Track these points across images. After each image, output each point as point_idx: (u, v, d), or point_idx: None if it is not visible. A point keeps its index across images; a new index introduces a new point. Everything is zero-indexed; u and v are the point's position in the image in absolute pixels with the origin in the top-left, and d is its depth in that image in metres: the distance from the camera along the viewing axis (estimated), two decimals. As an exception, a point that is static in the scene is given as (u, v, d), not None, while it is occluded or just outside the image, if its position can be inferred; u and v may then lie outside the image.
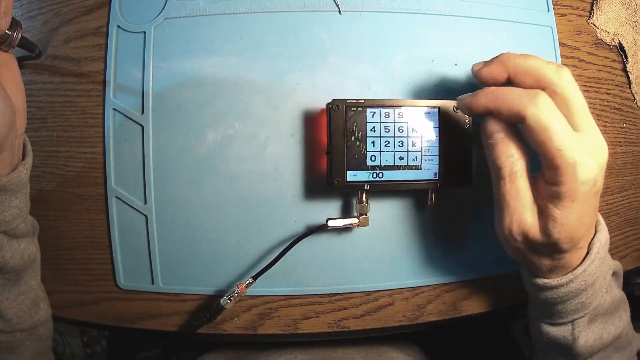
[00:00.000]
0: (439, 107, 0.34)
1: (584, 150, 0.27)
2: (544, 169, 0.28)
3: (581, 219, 0.28)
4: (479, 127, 0.30)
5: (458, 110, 0.34)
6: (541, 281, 0.31)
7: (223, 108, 0.36)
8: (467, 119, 0.34)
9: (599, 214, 0.32)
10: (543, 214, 0.28)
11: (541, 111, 0.26)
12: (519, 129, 0.29)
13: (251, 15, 0.37)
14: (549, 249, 0.29)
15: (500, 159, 0.29)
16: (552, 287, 0.31)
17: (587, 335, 0.32)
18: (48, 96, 0.38)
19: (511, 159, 0.29)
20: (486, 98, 0.29)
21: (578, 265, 0.30)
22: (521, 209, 0.29)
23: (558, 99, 0.27)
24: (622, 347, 0.33)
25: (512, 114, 0.27)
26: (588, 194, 0.27)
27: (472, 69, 0.31)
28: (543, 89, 0.28)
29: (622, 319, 0.33)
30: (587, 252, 0.31)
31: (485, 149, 0.30)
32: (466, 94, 0.30)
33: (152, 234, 0.37)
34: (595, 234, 0.31)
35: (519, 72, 0.28)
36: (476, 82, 0.31)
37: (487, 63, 0.30)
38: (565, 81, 0.27)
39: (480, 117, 0.30)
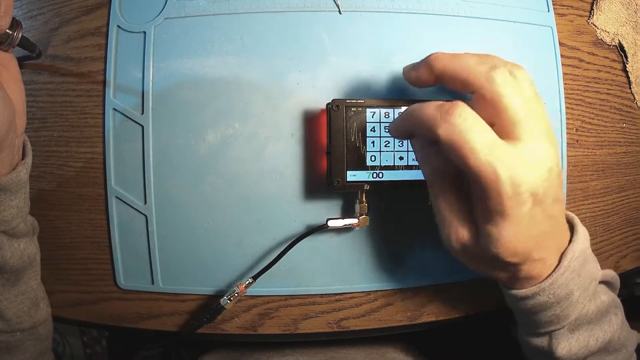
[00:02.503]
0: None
1: (511, 161, 0.24)
2: (470, 185, 0.26)
3: (519, 232, 0.26)
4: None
5: None
6: (509, 291, 0.30)
7: (223, 108, 0.36)
8: None
9: (577, 220, 0.31)
10: (479, 229, 0.27)
11: (454, 128, 0.24)
12: None
13: (251, 15, 0.37)
14: (494, 262, 0.28)
15: (428, 175, 0.29)
16: (520, 298, 0.30)
17: (569, 345, 0.30)
18: (48, 96, 0.38)
19: (437, 173, 0.28)
20: (402, 122, 0.28)
21: (547, 277, 0.29)
22: (456, 223, 0.28)
23: (487, 104, 0.25)
24: (616, 350, 0.32)
25: (427, 133, 0.26)
26: (522, 207, 0.25)
27: (403, 70, 0.30)
28: (472, 92, 0.26)
29: (612, 323, 0.31)
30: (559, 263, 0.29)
31: (419, 165, 0.30)
32: (394, 120, 0.30)
33: (152, 234, 0.37)
34: (569, 245, 0.29)
35: (446, 75, 0.27)
36: None
37: (415, 65, 0.29)
38: (496, 85, 0.25)
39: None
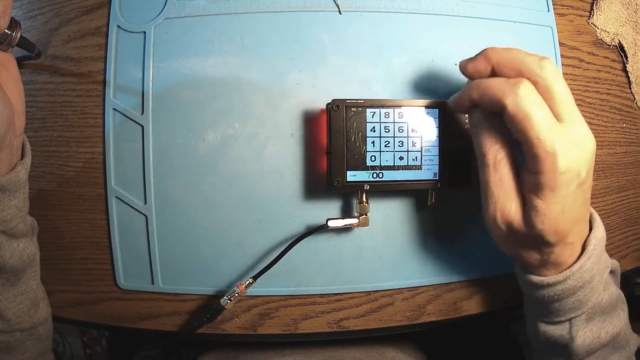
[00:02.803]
0: (439, 107, 0.34)
1: (565, 140, 0.27)
2: (525, 158, 0.28)
3: (565, 211, 0.28)
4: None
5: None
6: (537, 279, 0.31)
7: (223, 108, 0.36)
8: (467, 119, 0.34)
9: (594, 211, 0.33)
10: (526, 204, 0.29)
11: (521, 99, 0.27)
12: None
13: (251, 15, 0.37)
14: (534, 240, 0.29)
15: (484, 147, 0.30)
16: (548, 285, 0.31)
17: (584, 335, 0.32)
18: (48, 96, 0.38)
19: (495, 146, 0.29)
20: (470, 91, 0.30)
21: (574, 263, 0.30)
22: (504, 198, 0.29)
23: (540, 89, 0.27)
24: (621, 346, 0.33)
25: (494, 103, 0.28)
26: (570, 185, 0.27)
27: (459, 64, 0.32)
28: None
29: (620, 318, 0.33)
30: (583, 250, 0.31)
31: (473, 139, 0.31)
32: (455, 94, 0.31)
33: (152, 234, 0.37)
34: (591, 231, 0.31)
35: (501, 64, 0.29)
36: None
37: (472, 58, 0.31)
38: (547, 72, 0.27)
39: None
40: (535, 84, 0.27)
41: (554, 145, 0.26)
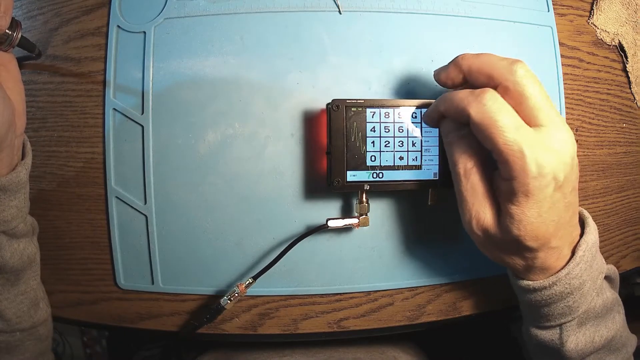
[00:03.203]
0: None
1: (537, 144, 0.26)
2: (498, 165, 0.28)
3: (542, 215, 0.27)
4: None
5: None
6: (524, 283, 0.31)
7: (223, 108, 0.36)
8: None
9: (588, 215, 0.32)
10: (502, 211, 0.28)
11: (485, 108, 0.26)
12: None
13: (251, 15, 0.37)
14: (514, 246, 0.29)
15: (455, 157, 0.30)
16: (535, 289, 0.30)
17: (577, 339, 0.31)
18: (48, 96, 0.38)
19: (464, 156, 0.29)
20: (438, 104, 0.30)
21: (562, 267, 0.30)
22: (478, 205, 0.29)
23: (512, 94, 0.27)
24: (616, 349, 0.33)
25: (459, 113, 0.28)
26: (545, 190, 0.26)
27: (433, 74, 0.32)
28: (496, 86, 0.28)
29: (616, 321, 0.32)
30: (573, 255, 0.30)
31: (446, 150, 0.31)
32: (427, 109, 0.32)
33: (152, 234, 0.37)
34: (582, 236, 0.31)
35: (473, 71, 0.29)
36: None
37: (444, 67, 0.31)
38: (519, 76, 0.27)
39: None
40: (506, 89, 0.27)
41: (522, 150, 0.26)
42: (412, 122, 0.34)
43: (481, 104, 0.27)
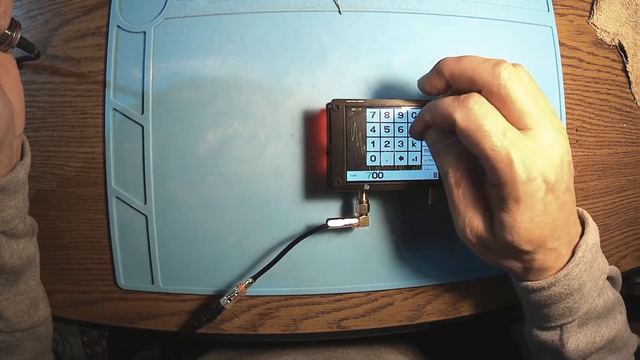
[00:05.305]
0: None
1: (524, 148, 0.25)
2: (486, 172, 0.27)
3: (534, 219, 0.27)
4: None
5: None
6: (523, 283, 0.31)
7: (223, 108, 0.36)
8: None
9: (588, 215, 0.32)
10: (494, 218, 0.28)
11: (470, 112, 0.26)
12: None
13: (251, 15, 0.37)
14: (510, 250, 0.28)
15: (444, 167, 0.29)
16: (534, 290, 0.30)
17: (577, 340, 0.31)
18: (48, 96, 0.38)
19: (452, 165, 0.29)
20: (422, 114, 0.30)
21: (561, 268, 0.29)
22: (470, 213, 0.29)
23: (497, 98, 0.26)
24: (618, 349, 0.33)
25: (444, 121, 0.27)
26: (536, 194, 0.26)
27: (417, 83, 0.31)
28: (480, 90, 0.27)
29: (617, 321, 0.32)
30: (573, 255, 0.30)
31: (434, 160, 0.31)
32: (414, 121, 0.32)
33: (152, 234, 0.37)
34: (581, 237, 0.30)
35: (455, 76, 0.28)
36: None
37: (426, 75, 0.30)
38: (502, 79, 0.26)
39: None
40: (491, 93, 0.26)
41: (509, 155, 0.25)
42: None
43: (466, 109, 0.26)
